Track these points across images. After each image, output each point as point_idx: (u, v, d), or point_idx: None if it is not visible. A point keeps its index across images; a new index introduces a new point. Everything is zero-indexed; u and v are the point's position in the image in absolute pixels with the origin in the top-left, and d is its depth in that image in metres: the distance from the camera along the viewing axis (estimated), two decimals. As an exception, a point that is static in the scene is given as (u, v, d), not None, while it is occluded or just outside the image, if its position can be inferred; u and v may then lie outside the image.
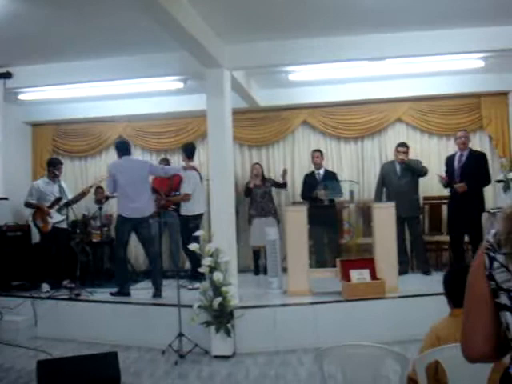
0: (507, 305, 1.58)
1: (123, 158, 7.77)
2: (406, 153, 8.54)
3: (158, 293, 7.49)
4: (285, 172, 9.29)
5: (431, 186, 8.90)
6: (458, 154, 8.09)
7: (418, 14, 6.04)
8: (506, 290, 1.58)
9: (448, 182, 8.06)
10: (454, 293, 3.03)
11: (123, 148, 7.86)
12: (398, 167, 8.51)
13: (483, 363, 1.79)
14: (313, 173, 9.12)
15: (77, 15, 5.73)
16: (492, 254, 1.63)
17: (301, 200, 9.18)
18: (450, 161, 8.19)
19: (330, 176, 8.95)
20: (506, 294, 1.58)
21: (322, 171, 9.05)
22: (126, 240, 7.78)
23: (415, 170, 8.37)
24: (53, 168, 8.44)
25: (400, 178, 8.44)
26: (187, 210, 8.42)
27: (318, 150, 9.24)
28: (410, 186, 8.40)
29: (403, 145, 8.64)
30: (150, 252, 7.87)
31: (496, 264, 1.61)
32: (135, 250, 10.23)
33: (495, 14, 6.03)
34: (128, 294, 7.54)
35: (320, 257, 8.52)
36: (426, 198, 8.99)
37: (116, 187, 7.58)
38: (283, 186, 9.37)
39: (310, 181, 9.00)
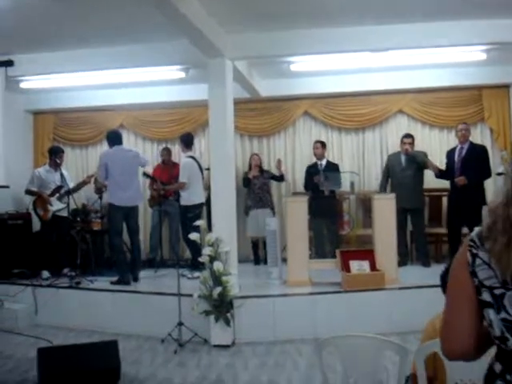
0: (490, 302, 1.58)
1: (115, 148, 7.84)
2: (412, 144, 8.55)
3: (135, 279, 7.80)
4: (279, 162, 9.25)
5: (432, 178, 8.88)
6: (459, 147, 8.10)
7: (421, 6, 6.03)
8: (488, 287, 1.59)
9: (446, 174, 8.08)
10: None
11: (115, 138, 7.94)
12: (403, 158, 8.51)
13: (462, 361, 1.76)
14: (315, 164, 9.11)
15: (78, 4, 5.72)
16: (474, 250, 1.63)
17: (303, 191, 9.16)
18: (450, 154, 8.21)
19: (332, 167, 8.95)
20: (488, 291, 1.59)
21: (324, 162, 9.03)
22: (121, 228, 7.86)
23: (419, 163, 8.38)
24: (54, 156, 8.46)
25: (404, 170, 8.44)
26: (186, 199, 8.38)
27: (320, 141, 9.23)
28: (414, 178, 8.39)
29: (408, 136, 8.65)
30: (136, 240, 8.06)
31: (478, 261, 1.61)
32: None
33: (497, 6, 6.02)
34: (128, 283, 7.58)
35: (319, 248, 8.55)
36: (426, 190, 8.99)
37: (107, 176, 7.65)
38: (281, 178, 9.34)
39: (312, 172, 8.99)
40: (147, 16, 5.69)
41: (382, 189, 8.62)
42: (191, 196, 8.33)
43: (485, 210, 1.72)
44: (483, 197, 7.85)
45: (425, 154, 8.60)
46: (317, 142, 9.25)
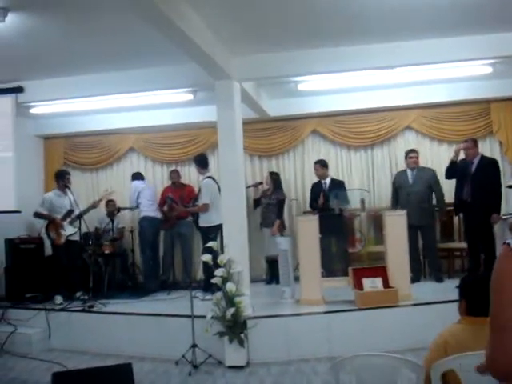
0: None
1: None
2: (417, 159, 8.57)
3: None
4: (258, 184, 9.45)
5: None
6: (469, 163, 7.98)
7: (426, 23, 6.06)
8: None
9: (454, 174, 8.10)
10: (473, 301, 3.01)
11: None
12: (409, 175, 8.51)
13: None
14: (319, 182, 9.12)
15: (87, 30, 5.79)
16: None
17: (309, 209, 9.18)
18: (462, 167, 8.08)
19: (337, 184, 8.95)
20: None
21: (328, 180, 9.03)
22: None
23: (428, 179, 8.41)
24: (61, 180, 8.49)
25: (412, 186, 8.42)
26: (206, 220, 8.23)
27: (319, 162, 9.17)
28: (422, 194, 8.37)
29: (413, 151, 8.67)
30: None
31: None
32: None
33: (502, 21, 6.05)
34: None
35: (328, 266, 8.46)
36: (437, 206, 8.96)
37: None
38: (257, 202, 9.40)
39: (316, 189, 9.02)
40: (154, 40, 5.73)
41: (393, 206, 8.57)
42: (211, 217, 8.17)
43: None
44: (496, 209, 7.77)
45: (434, 172, 8.59)
46: (316, 163, 9.19)
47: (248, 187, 9.39)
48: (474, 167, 7.86)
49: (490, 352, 1.57)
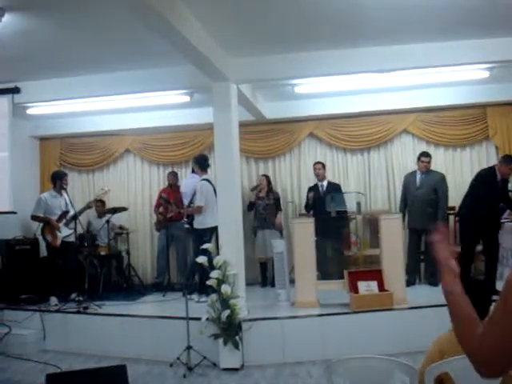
0: None
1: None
2: (429, 163, 8.50)
3: None
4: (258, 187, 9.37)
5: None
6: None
7: (423, 26, 6.07)
8: None
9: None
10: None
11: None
12: (418, 178, 8.49)
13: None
14: (316, 185, 9.13)
15: (83, 30, 5.78)
16: None
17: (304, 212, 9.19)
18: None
19: (334, 188, 8.96)
20: None
21: (325, 183, 9.07)
22: None
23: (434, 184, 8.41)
24: (60, 181, 8.44)
25: (418, 189, 8.41)
26: (200, 222, 8.12)
27: (320, 162, 9.29)
28: (427, 198, 8.30)
29: (425, 154, 8.58)
30: None
31: None
32: (142, 263, 10.30)
33: (499, 25, 6.06)
34: None
35: (323, 269, 8.45)
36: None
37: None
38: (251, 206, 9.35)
39: (313, 193, 9.03)
40: (151, 42, 5.73)
41: (402, 209, 8.55)
42: (206, 219, 8.07)
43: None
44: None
45: (443, 177, 8.54)
46: (317, 163, 9.31)
47: (252, 190, 9.38)
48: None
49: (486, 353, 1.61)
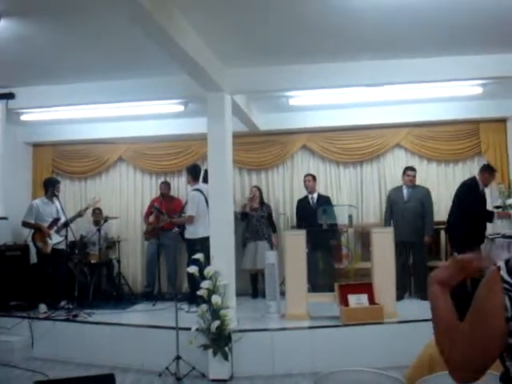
0: None
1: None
2: (414, 177, 8.64)
3: None
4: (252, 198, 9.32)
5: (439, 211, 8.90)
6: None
7: (417, 42, 6.10)
8: None
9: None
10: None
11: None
12: (405, 192, 8.59)
13: None
14: (306, 197, 9.14)
15: (79, 38, 5.78)
16: None
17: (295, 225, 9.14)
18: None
19: (324, 200, 8.97)
20: None
21: (315, 195, 9.08)
22: None
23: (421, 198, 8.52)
24: (52, 187, 8.43)
25: (406, 203, 8.49)
26: (191, 233, 8.14)
27: (310, 174, 9.31)
28: (415, 212, 8.41)
29: (412, 169, 8.72)
30: None
31: None
32: (133, 271, 10.26)
33: (493, 42, 6.10)
34: None
35: (314, 281, 8.44)
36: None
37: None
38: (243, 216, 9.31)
39: (303, 205, 9.05)
40: (146, 51, 5.75)
41: (387, 223, 8.61)
42: (197, 229, 8.07)
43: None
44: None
45: (428, 191, 8.66)
46: (308, 175, 9.32)
47: (249, 200, 9.36)
48: None
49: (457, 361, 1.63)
